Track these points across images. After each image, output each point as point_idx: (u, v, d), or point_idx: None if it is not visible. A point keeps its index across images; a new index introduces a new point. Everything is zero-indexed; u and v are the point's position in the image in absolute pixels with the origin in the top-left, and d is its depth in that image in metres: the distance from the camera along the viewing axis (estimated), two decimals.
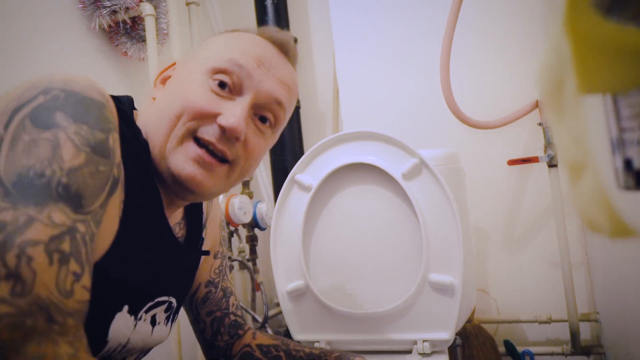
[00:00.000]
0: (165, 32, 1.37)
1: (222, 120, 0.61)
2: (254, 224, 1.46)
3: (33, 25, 1.12)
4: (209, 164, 0.62)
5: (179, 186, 0.62)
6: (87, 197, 0.47)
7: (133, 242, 0.59)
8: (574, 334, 1.35)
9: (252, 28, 0.72)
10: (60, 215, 0.44)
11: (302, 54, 1.91)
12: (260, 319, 1.48)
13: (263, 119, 0.68)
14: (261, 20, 1.78)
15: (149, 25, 1.28)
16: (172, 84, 0.68)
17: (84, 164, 0.47)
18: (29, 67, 1.10)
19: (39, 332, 0.39)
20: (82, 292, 0.43)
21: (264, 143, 0.69)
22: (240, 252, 1.53)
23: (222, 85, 0.64)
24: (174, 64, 0.74)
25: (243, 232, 1.56)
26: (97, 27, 1.26)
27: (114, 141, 0.52)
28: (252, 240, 1.51)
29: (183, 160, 0.61)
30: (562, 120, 0.30)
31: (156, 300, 0.68)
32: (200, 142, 0.62)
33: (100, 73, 1.31)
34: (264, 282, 1.57)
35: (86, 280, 0.44)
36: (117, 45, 1.33)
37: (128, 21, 1.29)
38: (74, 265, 0.43)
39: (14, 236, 0.40)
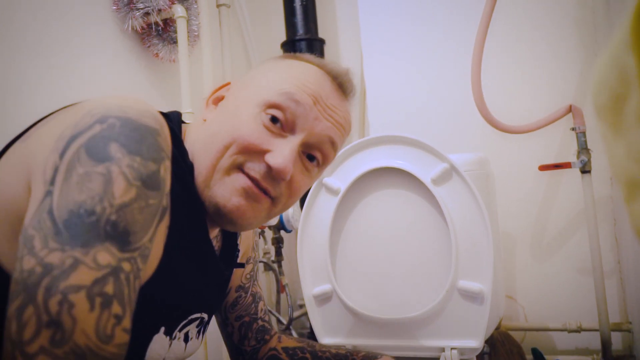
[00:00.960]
0: (196, 33, 1.38)
1: (270, 160, 0.60)
2: (280, 226, 1.46)
3: (68, 27, 1.15)
4: (256, 195, 0.61)
5: (219, 217, 0.61)
6: (136, 233, 0.46)
7: (176, 266, 0.59)
8: (605, 344, 1.32)
9: (312, 57, 0.70)
10: (105, 255, 0.43)
11: (329, 56, 1.91)
12: (284, 321, 1.48)
13: (311, 157, 0.66)
14: (290, 21, 1.78)
15: (181, 27, 1.29)
16: (225, 108, 0.67)
17: (134, 199, 0.47)
18: (64, 68, 1.12)
19: None
20: (122, 335, 0.43)
21: (308, 181, 0.67)
22: (265, 253, 1.53)
23: (274, 119, 0.62)
24: (229, 83, 0.72)
25: (269, 234, 1.57)
26: (129, 28, 1.28)
27: (166, 170, 0.51)
28: (278, 242, 1.52)
29: (230, 191, 0.60)
30: (620, 136, 0.29)
31: (189, 318, 0.68)
32: (246, 175, 0.61)
33: (131, 74, 1.32)
34: (289, 284, 1.58)
35: (127, 322, 0.44)
36: (149, 46, 1.34)
37: (160, 23, 1.30)
38: (116, 308, 0.43)
39: (59, 281, 0.40)
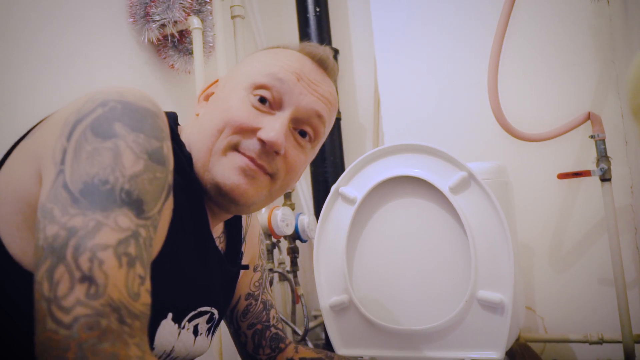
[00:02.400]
0: (211, 45, 1.39)
1: (262, 134, 0.63)
2: (295, 236, 1.46)
3: (85, 38, 1.16)
4: (254, 172, 0.63)
5: (222, 197, 0.64)
6: (148, 202, 0.48)
7: (180, 250, 0.61)
8: (629, 356, 1.29)
9: (293, 44, 0.74)
10: (125, 219, 0.45)
11: (343, 65, 1.91)
12: (300, 332, 1.47)
13: (303, 133, 0.69)
14: (303, 32, 1.79)
15: (196, 39, 1.30)
16: (215, 100, 0.70)
17: (143, 171, 0.48)
18: (81, 78, 1.13)
19: (112, 333, 0.40)
20: (146, 295, 0.44)
21: (303, 157, 0.70)
22: (280, 263, 1.52)
23: (262, 100, 0.66)
24: (217, 81, 0.75)
25: (284, 244, 1.56)
26: (146, 40, 1.29)
27: (168, 149, 0.53)
28: (293, 252, 1.51)
29: (228, 170, 0.63)
30: None
31: (199, 309, 0.69)
32: (242, 154, 0.64)
33: (148, 85, 1.33)
34: (304, 294, 1.56)
35: (148, 283, 0.45)
36: (164, 58, 1.35)
37: (176, 34, 1.31)
38: (139, 269, 0.44)
39: (86, 240, 0.42)
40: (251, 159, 0.63)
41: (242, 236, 0.83)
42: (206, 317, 0.71)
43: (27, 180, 0.51)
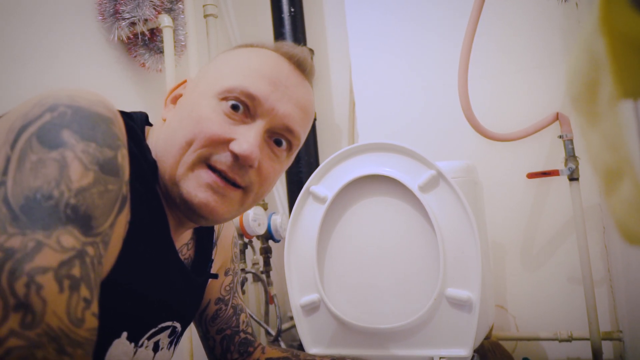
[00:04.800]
0: (183, 43, 1.38)
1: (235, 147, 0.59)
2: (268, 235, 1.45)
3: (53, 35, 1.14)
4: (223, 189, 0.60)
5: (190, 212, 0.60)
6: (97, 218, 0.45)
7: (135, 265, 0.57)
8: (596, 353, 1.31)
9: (268, 43, 0.69)
10: (69, 238, 0.42)
11: (318, 66, 1.91)
12: (273, 333, 1.46)
13: (278, 142, 0.65)
14: (278, 32, 1.79)
15: (167, 37, 1.28)
16: (183, 105, 0.65)
17: (92, 184, 0.45)
18: (47, 76, 1.11)
19: None
20: (92, 320, 0.41)
21: (279, 167, 0.66)
22: (254, 264, 1.51)
23: (235, 107, 0.61)
24: (185, 81, 0.71)
25: (257, 244, 1.55)
26: (116, 38, 1.28)
27: (123, 158, 0.49)
28: (266, 252, 1.50)
29: (195, 187, 0.59)
30: (595, 126, 0.28)
31: (160, 326, 0.65)
32: (212, 169, 0.60)
33: (118, 84, 1.32)
34: (278, 294, 1.56)
35: (95, 306, 0.42)
36: (135, 56, 1.34)
37: (146, 33, 1.30)
38: (84, 291, 0.41)
39: (23, 263, 0.38)
40: (223, 172, 0.59)
41: (214, 240, 0.80)
42: (168, 331, 0.68)
43: None
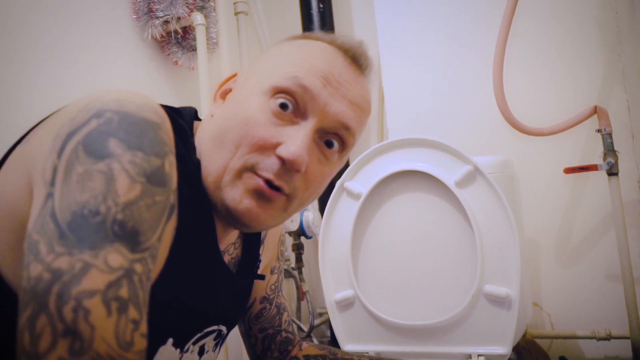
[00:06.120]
0: (214, 41, 1.39)
1: (282, 152, 0.56)
2: (300, 232, 1.45)
3: (89, 34, 1.16)
4: (269, 196, 0.57)
5: (232, 219, 0.58)
6: (144, 233, 0.44)
7: (182, 271, 0.56)
8: (637, 352, 1.28)
9: (323, 35, 0.65)
10: (117, 257, 0.41)
11: None
12: (306, 329, 1.46)
13: (329, 143, 0.61)
14: (307, 29, 1.79)
15: (200, 35, 1.29)
16: (232, 101, 0.63)
17: (139, 197, 0.44)
18: (84, 75, 1.13)
19: None
20: (140, 341, 0.40)
21: (328, 171, 0.62)
22: (285, 260, 1.52)
23: (283, 105, 0.58)
24: (235, 74, 0.68)
25: (289, 240, 1.55)
26: (149, 37, 1.29)
27: (171, 165, 0.48)
28: (298, 249, 1.50)
29: (240, 194, 0.57)
30: None
31: (205, 331, 0.65)
32: (259, 175, 0.57)
33: (151, 81, 1.33)
34: (309, 291, 1.56)
35: (144, 326, 0.41)
36: (168, 54, 1.35)
37: (179, 31, 1.31)
38: (132, 313, 0.40)
39: (71, 287, 0.38)
40: (269, 180, 0.56)
41: (262, 238, 0.78)
42: (213, 335, 0.68)
43: (19, 194, 0.47)
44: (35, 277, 0.38)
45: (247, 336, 0.88)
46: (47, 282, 0.38)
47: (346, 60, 0.62)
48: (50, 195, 0.42)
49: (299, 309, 1.52)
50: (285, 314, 0.90)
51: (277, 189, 0.57)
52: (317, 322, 1.67)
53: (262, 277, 0.76)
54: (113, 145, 0.44)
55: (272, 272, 0.86)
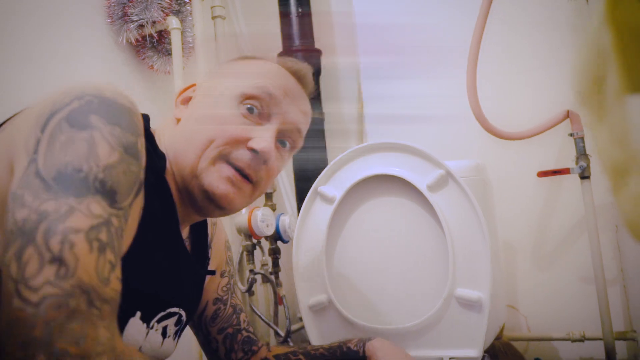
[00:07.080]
0: (191, 45, 1.38)
1: (255, 144, 0.67)
2: (276, 236, 1.44)
3: (63, 38, 1.15)
4: (240, 182, 0.67)
5: (208, 202, 0.67)
6: (121, 193, 0.48)
7: (149, 247, 0.61)
8: (610, 353, 1.30)
9: (271, 57, 0.78)
10: (97, 207, 0.45)
11: (326, 66, 1.91)
12: (282, 334, 1.46)
13: (283, 143, 0.74)
14: (286, 33, 1.78)
15: (175, 39, 1.29)
16: (199, 106, 0.73)
17: (117, 162, 0.49)
18: (57, 78, 1.12)
19: (81, 314, 0.40)
20: (116, 282, 0.44)
21: (282, 165, 0.75)
22: (262, 265, 1.51)
23: (251, 109, 0.69)
24: (194, 85, 0.78)
25: (265, 245, 1.55)
26: (124, 40, 1.28)
27: (142, 146, 0.54)
28: (275, 253, 1.50)
29: (217, 179, 0.66)
30: (602, 120, 0.27)
31: (168, 310, 0.69)
32: (231, 165, 0.67)
33: (126, 86, 1.32)
34: (287, 295, 1.55)
35: (118, 271, 0.45)
36: (143, 58, 1.34)
37: (155, 35, 1.30)
38: (110, 255, 0.44)
39: (57, 223, 0.42)
40: (241, 169, 0.67)
41: (208, 242, 0.84)
42: (174, 318, 0.71)
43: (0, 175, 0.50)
44: (22, 218, 0.42)
45: (207, 343, 0.90)
46: (35, 221, 0.42)
47: (295, 80, 0.75)
48: (33, 160, 0.46)
49: (276, 314, 1.51)
50: (242, 315, 0.92)
51: (246, 177, 0.68)
52: (296, 327, 1.66)
53: (212, 273, 0.84)
54: (94, 120, 0.49)
55: (222, 275, 0.90)
